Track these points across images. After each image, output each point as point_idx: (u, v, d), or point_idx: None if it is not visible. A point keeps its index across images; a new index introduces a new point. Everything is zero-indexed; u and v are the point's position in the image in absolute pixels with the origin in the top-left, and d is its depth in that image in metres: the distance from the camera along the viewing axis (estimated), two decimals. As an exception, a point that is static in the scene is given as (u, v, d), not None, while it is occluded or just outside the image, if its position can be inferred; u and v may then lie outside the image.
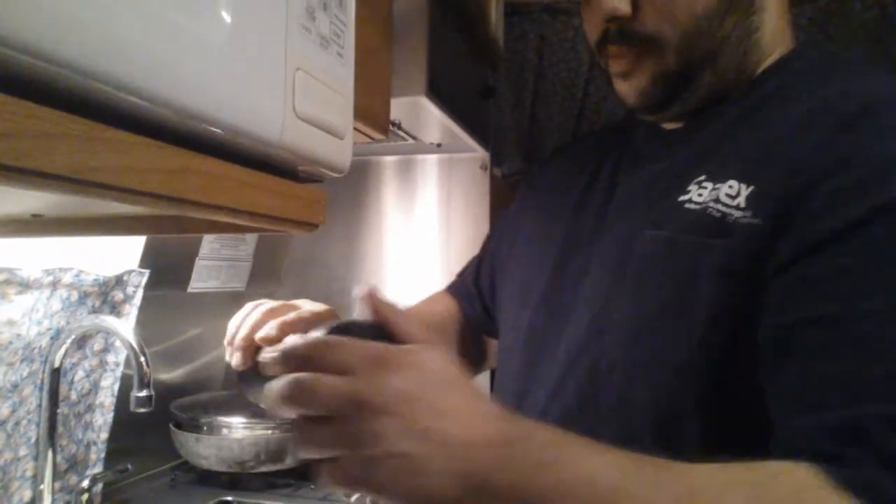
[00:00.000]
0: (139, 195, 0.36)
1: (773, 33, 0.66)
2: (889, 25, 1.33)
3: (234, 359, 0.66)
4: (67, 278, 0.91)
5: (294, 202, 0.52)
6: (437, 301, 0.95)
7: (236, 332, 0.67)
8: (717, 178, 0.59)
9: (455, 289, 0.95)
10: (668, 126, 0.70)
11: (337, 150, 0.53)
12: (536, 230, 0.79)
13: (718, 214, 0.56)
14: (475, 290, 0.91)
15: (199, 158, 0.41)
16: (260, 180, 0.47)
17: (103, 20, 0.30)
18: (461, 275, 0.97)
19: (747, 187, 0.56)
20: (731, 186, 0.57)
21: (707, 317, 0.55)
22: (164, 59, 0.34)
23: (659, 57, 0.63)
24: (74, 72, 0.29)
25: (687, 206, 0.60)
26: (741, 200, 0.55)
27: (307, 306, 0.71)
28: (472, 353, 0.92)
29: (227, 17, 0.38)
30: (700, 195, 0.59)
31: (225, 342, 0.68)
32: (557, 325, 0.69)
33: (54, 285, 0.90)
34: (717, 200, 0.57)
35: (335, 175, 0.56)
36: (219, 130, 0.40)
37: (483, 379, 1.41)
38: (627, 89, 0.67)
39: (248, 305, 0.70)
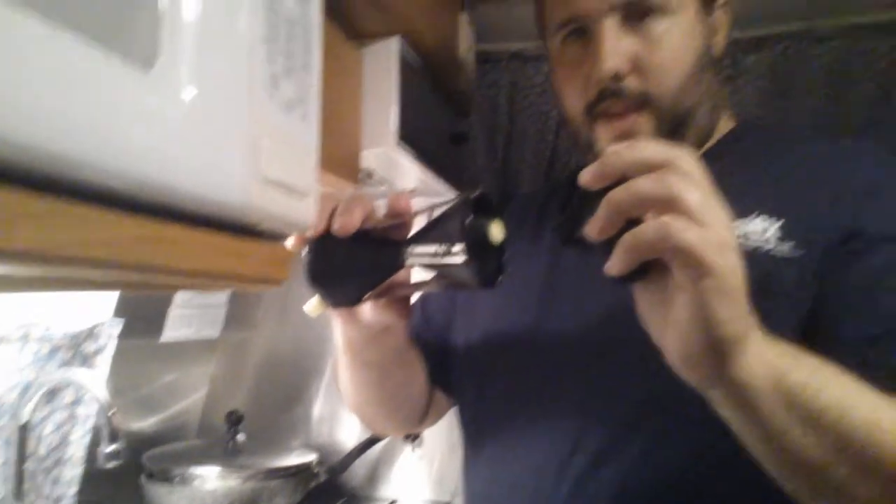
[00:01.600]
0: (104, 265, 0.37)
1: (723, 98, 0.77)
2: (844, 70, 1.39)
3: (345, 220, 0.54)
4: (38, 332, 0.91)
5: (257, 261, 0.53)
6: None
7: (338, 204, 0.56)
8: (736, 215, 0.65)
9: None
10: None
11: (301, 209, 0.55)
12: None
13: (751, 248, 0.63)
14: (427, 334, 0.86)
15: (162, 225, 0.42)
16: (223, 242, 0.48)
17: (65, 106, 0.32)
18: None
19: (777, 221, 0.63)
20: (758, 222, 0.64)
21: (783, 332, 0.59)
22: (126, 137, 0.35)
23: (653, 114, 0.70)
24: (36, 156, 0.31)
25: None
26: (771, 234, 0.63)
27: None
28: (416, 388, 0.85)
29: (188, 92, 0.40)
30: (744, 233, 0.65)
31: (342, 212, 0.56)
32: (578, 370, 0.69)
33: (25, 339, 0.90)
34: (744, 236, 0.63)
35: (300, 232, 0.58)
36: (182, 199, 0.41)
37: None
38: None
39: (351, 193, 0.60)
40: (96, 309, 1.05)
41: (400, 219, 0.54)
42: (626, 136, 0.70)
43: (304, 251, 0.55)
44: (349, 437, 1.49)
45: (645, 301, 0.49)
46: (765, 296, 0.60)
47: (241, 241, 0.51)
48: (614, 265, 0.45)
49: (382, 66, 0.93)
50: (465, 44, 1.36)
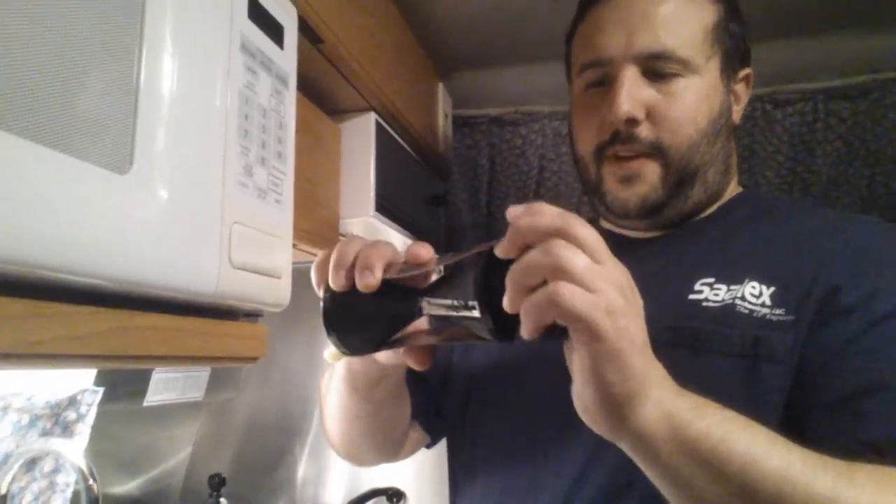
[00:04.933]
0: (79, 358, 0.40)
1: (734, 165, 0.80)
2: (809, 132, 1.44)
3: (367, 278, 0.52)
4: (18, 402, 0.92)
5: (233, 341, 0.55)
6: None
7: (359, 254, 0.54)
8: (732, 280, 0.66)
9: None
10: (634, 235, 0.78)
11: (275, 290, 0.57)
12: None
13: (746, 311, 0.64)
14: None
15: (137, 315, 0.44)
16: (197, 326, 0.50)
17: (43, 217, 0.34)
18: None
19: (768, 288, 0.64)
20: (753, 287, 0.65)
21: (769, 402, 0.61)
22: (102, 240, 0.38)
23: (661, 163, 0.72)
24: (16, 265, 0.33)
25: (705, 304, 0.66)
26: (766, 299, 0.64)
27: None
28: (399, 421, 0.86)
29: (164, 194, 0.43)
30: (717, 294, 0.66)
31: (334, 267, 0.54)
32: (566, 424, 0.68)
33: (5, 410, 0.90)
34: (742, 298, 0.64)
35: (275, 310, 0.60)
36: (157, 290, 0.44)
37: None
38: (629, 194, 0.74)
39: (348, 238, 0.57)
40: (78, 376, 1.06)
41: (420, 269, 0.53)
42: (631, 178, 0.73)
43: (322, 299, 0.55)
44: (334, 500, 1.48)
45: (567, 359, 0.51)
46: (762, 359, 0.62)
47: (215, 323, 0.53)
48: (524, 330, 0.47)
49: (360, 139, 0.97)
50: (443, 111, 1.41)
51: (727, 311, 0.65)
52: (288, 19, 0.63)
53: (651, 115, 0.71)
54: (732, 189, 0.81)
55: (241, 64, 0.53)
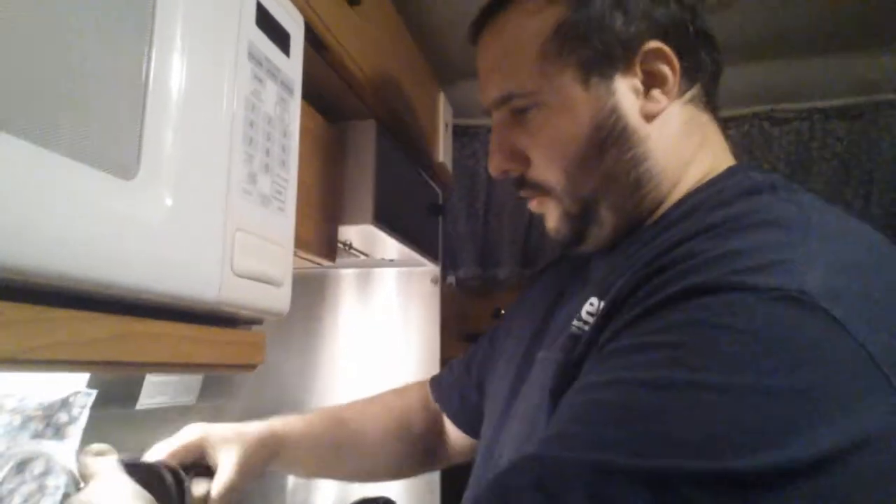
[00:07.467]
0: (79, 364, 0.39)
1: (675, 161, 0.66)
2: (805, 150, 1.45)
3: None
4: (10, 403, 0.91)
5: (232, 348, 0.55)
6: (404, 393, 0.99)
7: None
8: (601, 295, 0.59)
9: (437, 381, 0.98)
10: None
11: (275, 298, 0.57)
12: (508, 346, 0.82)
13: (578, 331, 0.59)
14: (462, 390, 0.92)
15: (138, 322, 0.44)
16: (197, 333, 0.50)
17: (46, 222, 0.34)
18: (451, 367, 0.97)
19: (600, 302, 0.58)
20: (591, 304, 0.60)
21: None
22: (106, 247, 0.38)
23: (554, 200, 0.68)
24: (19, 271, 0.33)
25: (572, 324, 0.61)
26: (599, 318, 0.56)
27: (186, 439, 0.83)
28: (426, 447, 0.92)
29: (169, 200, 0.43)
30: (579, 315, 0.61)
31: None
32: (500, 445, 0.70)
33: (-3, 411, 0.90)
34: (579, 318, 0.60)
35: (275, 318, 0.60)
36: (159, 298, 0.43)
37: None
38: (548, 228, 0.72)
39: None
40: (71, 379, 1.05)
41: None
42: (541, 215, 0.71)
43: None
44: (324, 506, 1.47)
45: None
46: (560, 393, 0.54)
47: (216, 330, 0.53)
48: None
49: (360, 147, 0.97)
50: (443, 120, 1.42)
51: (564, 332, 0.60)
52: (295, 27, 0.63)
53: (529, 156, 0.67)
54: (679, 192, 0.66)
55: (249, 72, 0.53)
